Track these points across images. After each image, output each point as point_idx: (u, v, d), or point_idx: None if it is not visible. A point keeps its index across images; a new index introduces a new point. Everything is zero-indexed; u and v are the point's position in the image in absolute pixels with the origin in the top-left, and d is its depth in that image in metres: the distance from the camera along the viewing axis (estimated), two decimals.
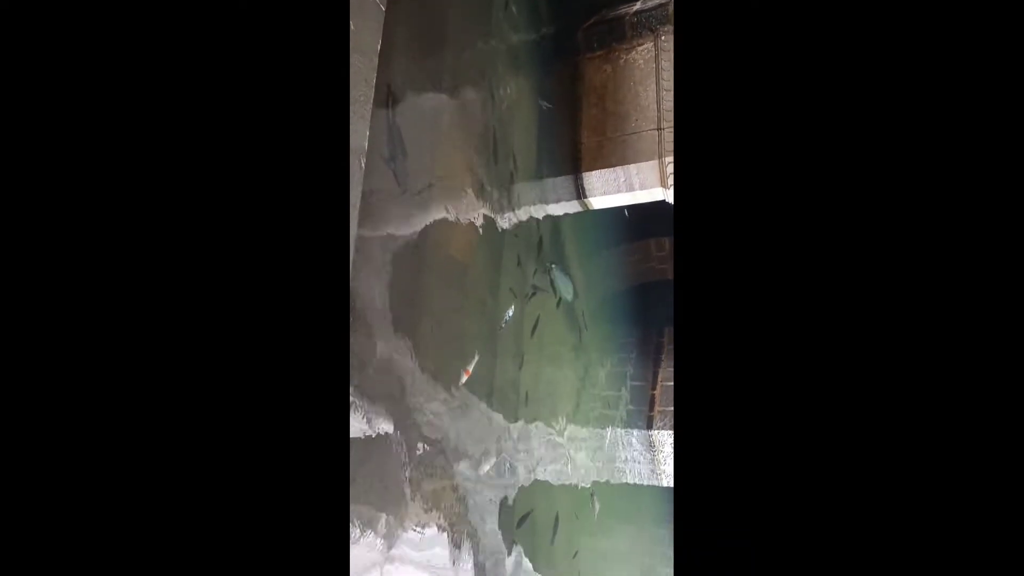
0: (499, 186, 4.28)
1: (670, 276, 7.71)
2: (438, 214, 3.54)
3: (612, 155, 4.66)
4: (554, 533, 5.00)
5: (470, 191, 3.94)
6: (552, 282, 4.99)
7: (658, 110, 4.49)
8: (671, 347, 7.19)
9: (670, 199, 4.80)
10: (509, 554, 4.26)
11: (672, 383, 6.69)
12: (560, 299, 5.21)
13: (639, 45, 4.82)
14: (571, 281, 5.32)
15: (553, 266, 4.94)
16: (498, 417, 4.27)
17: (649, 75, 4.63)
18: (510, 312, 4.31)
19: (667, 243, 7.68)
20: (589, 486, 5.97)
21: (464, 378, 3.69)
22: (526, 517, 4.45)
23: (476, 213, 3.99)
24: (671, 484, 6.44)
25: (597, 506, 5.89)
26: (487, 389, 4.14)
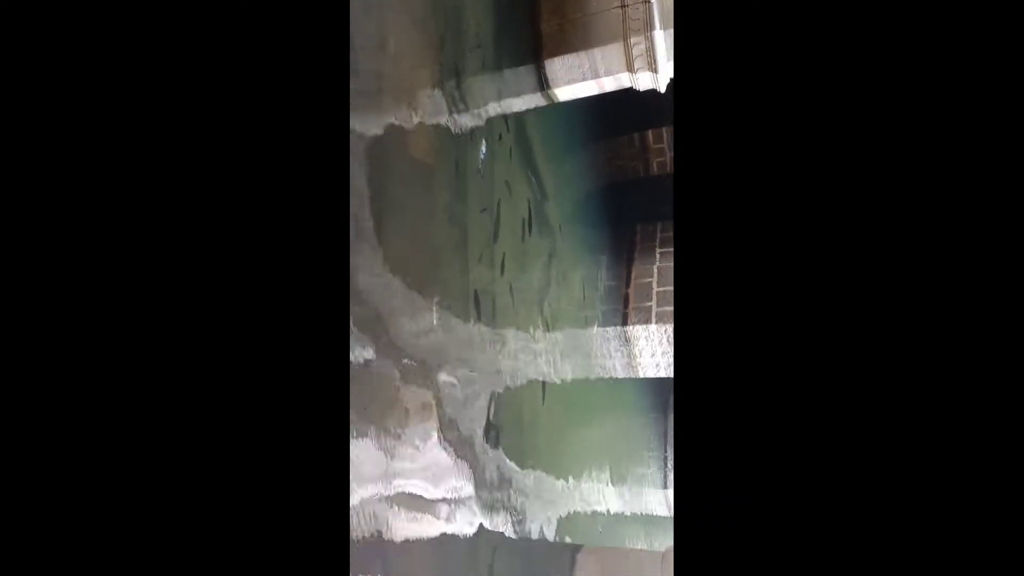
0: (456, 79, 4.02)
1: (641, 173, 7.61)
2: (393, 113, 3.33)
3: (574, 39, 4.38)
4: (543, 397, 5.31)
5: (426, 86, 3.69)
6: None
7: None
8: (643, 246, 7.24)
9: (637, 85, 4.60)
10: (495, 447, 4.45)
11: (646, 280, 6.81)
12: (527, 229, 5.15)
13: None
14: None
15: None
16: (475, 326, 4.29)
17: None
18: (483, 148, 4.17)
19: (637, 139, 7.51)
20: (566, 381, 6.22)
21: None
22: (499, 426, 4.61)
23: (433, 111, 3.77)
24: (646, 375, 6.73)
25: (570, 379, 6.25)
26: (463, 300, 4.13)
